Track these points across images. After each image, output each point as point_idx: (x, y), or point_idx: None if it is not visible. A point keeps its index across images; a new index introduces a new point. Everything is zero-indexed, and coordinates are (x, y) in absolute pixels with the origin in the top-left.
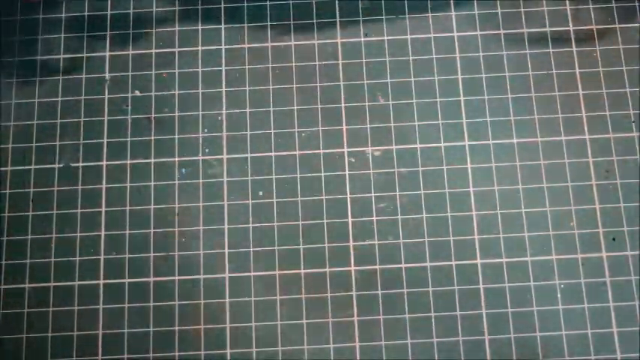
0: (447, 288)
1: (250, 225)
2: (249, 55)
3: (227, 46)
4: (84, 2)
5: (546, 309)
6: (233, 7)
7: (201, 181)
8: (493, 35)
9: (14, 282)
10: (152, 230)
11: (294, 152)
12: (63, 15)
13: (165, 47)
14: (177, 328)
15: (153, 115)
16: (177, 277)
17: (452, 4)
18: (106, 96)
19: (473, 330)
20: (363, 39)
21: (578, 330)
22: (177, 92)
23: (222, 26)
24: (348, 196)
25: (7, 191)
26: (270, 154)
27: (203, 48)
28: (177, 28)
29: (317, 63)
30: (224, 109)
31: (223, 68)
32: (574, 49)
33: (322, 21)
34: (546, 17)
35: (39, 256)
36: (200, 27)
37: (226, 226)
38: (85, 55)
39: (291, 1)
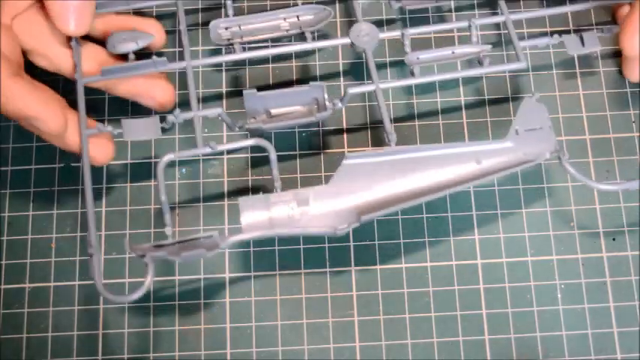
0: (447, 288)
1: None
2: None
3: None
4: None
5: (546, 309)
6: None
7: (201, 181)
8: (493, 35)
9: (14, 282)
10: (152, 230)
11: (295, 152)
12: None
13: (166, 48)
14: (177, 328)
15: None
16: (177, 277)
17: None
18: (107, 96)
19: (473, 330)
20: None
21: (578, 330)
22: (177, 92)
23: None
24: None
25: (7, 191)
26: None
27: (203, 48)
28: (178, 28)
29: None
30: (224, 109)
31: (223, 68)
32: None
33: None
34: (546, 18)
35: (39, 256)
36: (200, 28)
37: (226, 226)
38: None
39: None
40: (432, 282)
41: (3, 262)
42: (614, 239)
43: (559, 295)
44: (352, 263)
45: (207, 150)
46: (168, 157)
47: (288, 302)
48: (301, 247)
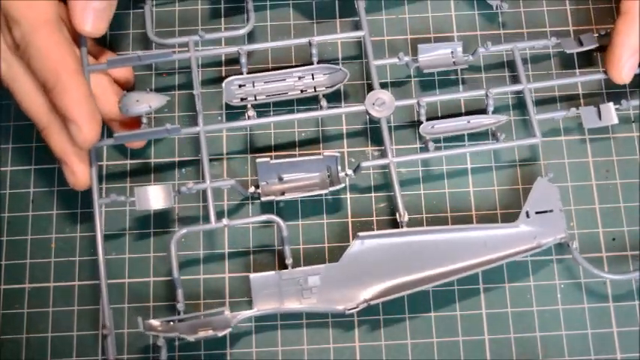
0: (447, 288)
1: (250, 225)
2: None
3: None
4: None
5: (546, 309)
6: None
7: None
8: (493, 35)
9: (14, 282)
10: (152, 230)
11: (294, 152)
12: None
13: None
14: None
15: (153, 115)
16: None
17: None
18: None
19: (473, 330)
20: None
21: (578, 330)
22: (177, 92)
23: (222, 27)
24: (348, 196)
25: (7, 191)
26: (270, 153)
27: (203, 48)
28: (176, 28)
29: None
30: (224, 108)
31: (223, 68)
32: (574, 49)
33: None
34: (546, 18)
35: (39, 256)
36: (200, 27)
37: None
38: None
39: None
40: None
41: (3, 262)
42: (614, 239)
43: (559, 295)
44: None
45: (221, 225)
46: (181, 233)
47: None
48: (301, 247)
